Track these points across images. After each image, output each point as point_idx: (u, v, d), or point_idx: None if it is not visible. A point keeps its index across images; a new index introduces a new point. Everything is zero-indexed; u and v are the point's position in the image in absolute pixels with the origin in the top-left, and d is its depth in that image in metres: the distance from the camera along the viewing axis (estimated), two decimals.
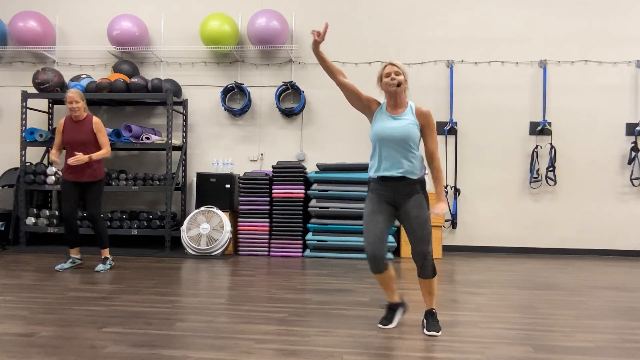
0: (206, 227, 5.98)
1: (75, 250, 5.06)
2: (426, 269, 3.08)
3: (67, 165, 4.91)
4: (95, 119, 5.00)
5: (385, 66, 3.08)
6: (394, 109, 3.09)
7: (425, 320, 3.14)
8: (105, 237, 5.08)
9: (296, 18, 6.89)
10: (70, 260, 5.02)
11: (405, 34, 6.83)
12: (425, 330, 3.08)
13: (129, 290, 4.11)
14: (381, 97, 3.18)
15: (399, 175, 3.02)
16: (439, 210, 3.11)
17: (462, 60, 6.76)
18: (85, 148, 4.90)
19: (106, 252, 5.09)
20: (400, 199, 3.06)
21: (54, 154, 4.92)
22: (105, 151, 4.96)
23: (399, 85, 3.02)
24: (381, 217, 3.07)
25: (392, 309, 3.24)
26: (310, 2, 6.92)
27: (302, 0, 6.92)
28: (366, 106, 3.15)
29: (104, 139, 5.00)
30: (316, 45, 3.05)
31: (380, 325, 3.17)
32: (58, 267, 4.94)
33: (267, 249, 6.18)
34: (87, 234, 6.36)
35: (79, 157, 4.75)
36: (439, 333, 3.05)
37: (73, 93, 4.89)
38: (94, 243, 5.12)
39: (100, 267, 4.96)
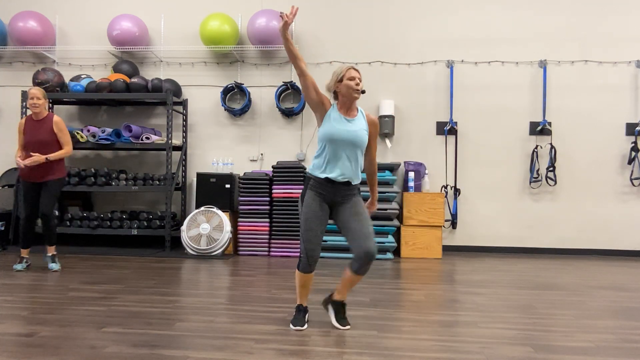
0: (206, 227, 5.98)
1: (27, 250, 5.01)
2: (367, 268, 3.06)
3: (25, 165, 4.85)
4: (56, 118, 4.90)
5: (348, 69, 3.04)
6: (347, 112, 3.07)
7: (334, 311, 3.21)
8: (55, 235, 5.00)
9: (296, 18, 6.89)
10: (25, 260, 4.97)
11: (405, 34, 6.83)
12: (336, 324, 3.16)
13: (129, 290, 4.11)
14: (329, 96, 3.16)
15: (346, 180, 3.04)
16: (372, 210, 3.32)
17: (462, 60, 6.77)
18: (46, 148, 4.82)
19: (53, 250, 5.02)
20: (339, 200, 3.08)
21: (19, 156, 4.86)
22: (64, 151, 4.87)
23: (363, 92, 3.05)
24: (324, 218, 3.08)
25: (303, 311, 3.23)
26: (310, 3, 6.92)
27: (302, 0, 6.92)
28: (320, 102, 3.06)
29: (65, 137, 4.89)
30: (286, 27, 2.92)
31: (295, 327, 3.12)
32: (19, 267, 4.89)
33: (267, 249, 6.18)
34: (83, 234, 6.39)
35: (35, 158, 4.70)
36: (350, 326, 3.16)
37: (36, 90, 4.83)
38: (89, 243, 5.06)
39: (54, 265, 4.94)
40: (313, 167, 3.11)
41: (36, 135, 4.83)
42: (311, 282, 3.21)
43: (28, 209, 4.92)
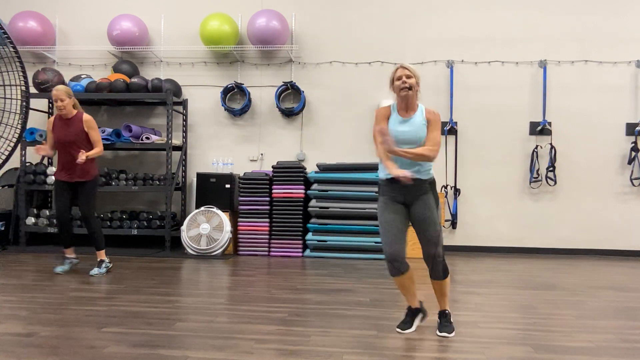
0: (206, 227, 5.97)
1: (70, 250, 4.90)
2: (437, 270, 3.06)
3: (60, 165, 4.79)
4: (86, 117, 4.77)
5: (397, 69, 3.06)
6: (405, 112, 3.09)
7: (438, 321, 3.14)
8: (100, 238, 4.85)
9: (296, 18, 6.89)
10: (68, 261, 4.89)
11: (405, 34, 6.83)
12: (437, 332, 3.08)
13: (129, 290, 4.11)
14: (391, 99, 3.20)
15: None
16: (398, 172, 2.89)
17: (462, 60, 6.76)
18: (76, 147, 4.67)
19: (102, 254, 4.85)
20: (410, 199, 3.05)
21: (45, 148, 4.73)
22: (99, 149, 4.76)
23: (410, 89, 3.01)
24: (397, 217, 3.04)
25: (411, 313, 3.19)
26: (310, 3, 6.92)
27: (302, 0, 6.92)
28: (384, 124, 3.10)
29: (96, 136, 4.78)
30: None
31: (398, 330, 3.11)
32: (59, 270, 4.81)
33: (267, 249, 6.18)
34: (83, 234, 6.37)
35: (82, 157, 4.51)
36: (452, 334, 3.03)
37: (58, 90, 4.66)
38: (89, 243, 4.99)
39: (95, 270, 4.75)
40: (379, 170, 3.13)
41: (65, 134, 4.70)
42: (409, 284, 3.11)
43: (60, 209, 4.78)
